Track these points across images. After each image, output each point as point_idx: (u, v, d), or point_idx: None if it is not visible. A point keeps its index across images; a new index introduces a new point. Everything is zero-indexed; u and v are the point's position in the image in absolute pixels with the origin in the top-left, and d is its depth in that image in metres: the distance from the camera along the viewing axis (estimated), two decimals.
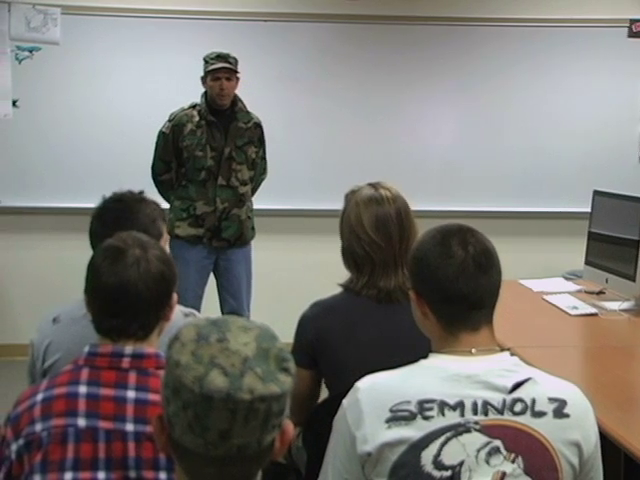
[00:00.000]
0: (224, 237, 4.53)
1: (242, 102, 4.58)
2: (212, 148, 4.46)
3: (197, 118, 4.48)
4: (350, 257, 2.40)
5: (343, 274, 2.44)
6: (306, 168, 5.50)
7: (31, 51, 5.24)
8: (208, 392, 1.17)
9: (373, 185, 2.46)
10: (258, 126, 4.62)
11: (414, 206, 2.46)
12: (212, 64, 4.39)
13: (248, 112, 4.59)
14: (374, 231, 2.36)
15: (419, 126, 5.58)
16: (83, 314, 1.88)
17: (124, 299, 1.74)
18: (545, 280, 4.11)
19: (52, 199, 5.31)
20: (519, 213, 5.64)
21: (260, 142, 4.65)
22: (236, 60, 4.46)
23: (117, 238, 1.85)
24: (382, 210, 2.38)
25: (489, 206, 5.56)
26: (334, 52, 5.45)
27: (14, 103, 5.28)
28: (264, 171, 4.76)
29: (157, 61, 5.29)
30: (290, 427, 1.29)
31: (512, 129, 5.59)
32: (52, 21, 5.22)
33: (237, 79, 4.48)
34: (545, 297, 3.77)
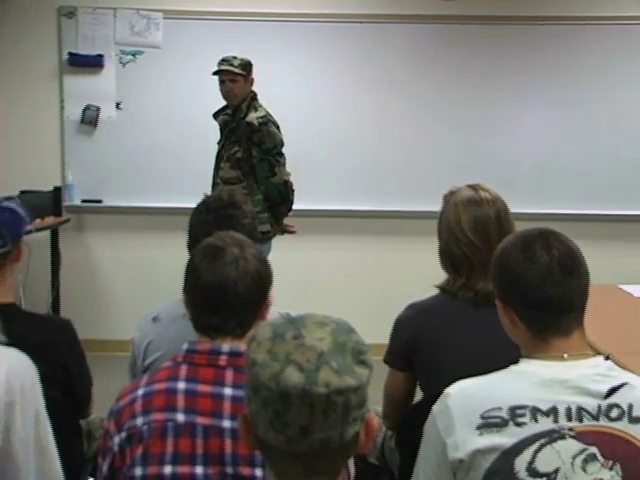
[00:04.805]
0: None
1: (253, 101, 4.54)
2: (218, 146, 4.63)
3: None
4: (447, 258, 2.38)
5: (438, 276, 2.42)
6: (400, 170, 5.47)
7: (134, 55, 5.39)
8: (285, 388, 1.19)
9: (472, 186, 2.43)
10: (249, 125, 4.45)
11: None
12: (217, 68, 4.51)
13: (247, 111, 4.49)
14: (472, 232, 2.33)
15: (513, 127, 5.48)
16: (183, 314, 1.92)
17: (223, 297, 1.77)
18: None
19: (153, 199, 5.43)
20: (617, 216, 5.48)
21: (250, 142, 4.46)
22: (245, 62, 4.51)
23: (216, 237, 1.89)
24: (481, 212, 2.35)
25: (585, 209, 5.43)
26: (428, 53, 5.41)
27: (117, 105, 5.43)
28: (270, 174, 4.48)
29: (255, 64, 5.35)
30: (374, 420, 1.29)
31: (608, 129, 5.43)
32: (155, 25, 5.35)
33: (247, 79, 4.52)
34: None
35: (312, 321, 1.28)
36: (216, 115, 4.71)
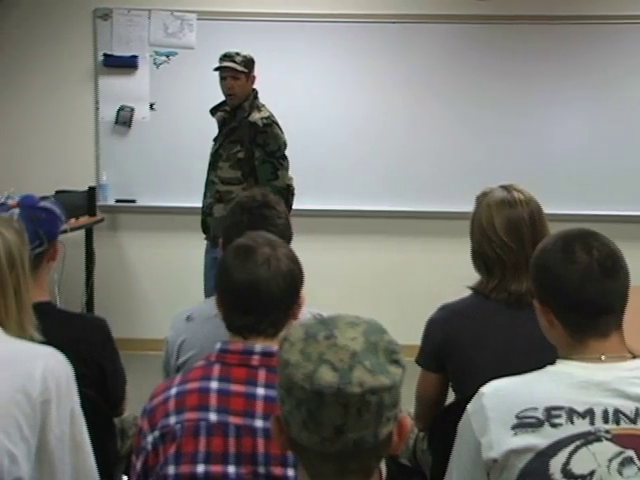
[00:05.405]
0: (208, 233, 4.52)
1: (255, 99, 4.44)
2: (214, 143, 4.53)
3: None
4: (480, 259, 2.37)
5: (469, 276, 2.41)
6: (430, 170, 5.45)
7: (168, 56, 5.43)
8: (318, 388, 1.19)
9: (506, 187, 2.41)
10: (252, 125, 4.35)
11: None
12: (218, 64, 4.41)
13: (250, 110, 4.40)
14: (506, 233, 2.31)
15: (546, 128, 5.44)
16: (215, 314, 1.93)
17: (255, 297, 1.77)
18: None
19: (186, 199, 5.44)
20: None
21: (253, 143, 4.35)
22: (248, 59, 4.40)
23: (247, 237, 1.89)
24: (515, 213, 2.34)
25: (623, 210, 5.38)
26: (460, 53, 5.39)
27: (151, 106, 5.48)
28: (273, 177, 4.34)
29: (288, 64, 5.37)
30: (407, 420, 1.29)
31: None
32: (188, 27, 5.39)
33: (248, 77, 4.41)
34: None
35: (343, 321, 1.28)
36: (213, 111, 4.58)
